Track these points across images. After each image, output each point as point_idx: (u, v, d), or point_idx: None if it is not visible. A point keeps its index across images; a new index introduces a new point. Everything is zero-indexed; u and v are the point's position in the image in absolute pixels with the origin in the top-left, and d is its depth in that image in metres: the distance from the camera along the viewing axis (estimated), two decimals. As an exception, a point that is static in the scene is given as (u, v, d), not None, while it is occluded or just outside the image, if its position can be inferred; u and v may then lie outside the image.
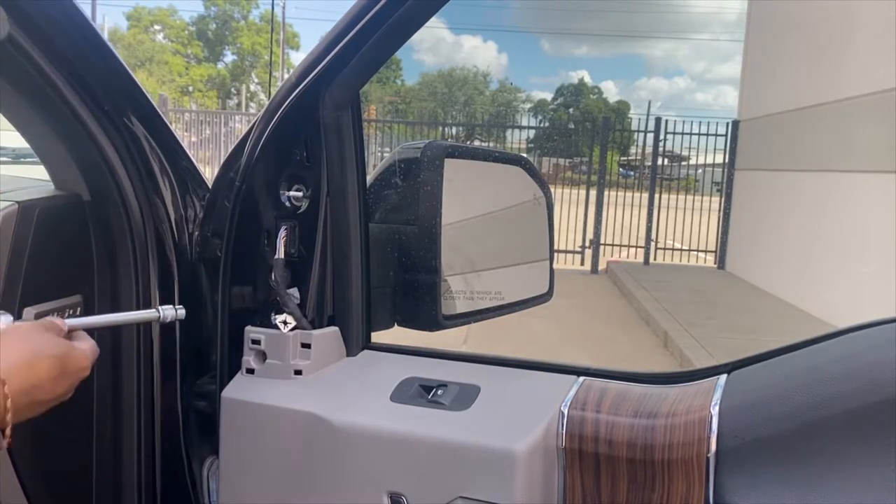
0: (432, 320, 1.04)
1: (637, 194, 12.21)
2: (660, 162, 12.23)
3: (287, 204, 1.03)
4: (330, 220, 1.02)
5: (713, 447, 0.79)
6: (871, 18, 6.74)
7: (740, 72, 11.67)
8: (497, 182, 1.21)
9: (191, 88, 45.38)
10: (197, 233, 1.13)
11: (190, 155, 1.17)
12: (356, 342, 1.05)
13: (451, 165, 1.04)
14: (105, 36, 1.03)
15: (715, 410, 0.81)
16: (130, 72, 1.06)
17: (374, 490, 0.90)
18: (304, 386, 0.99)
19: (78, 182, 1.09)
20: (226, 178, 1.08)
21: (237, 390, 1.01)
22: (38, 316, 0.99)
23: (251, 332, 1.03)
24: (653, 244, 11.34)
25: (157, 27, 49.56)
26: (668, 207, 11.37)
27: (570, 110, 54.60)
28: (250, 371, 1.02)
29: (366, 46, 0.92)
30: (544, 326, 6.49)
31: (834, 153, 7.30)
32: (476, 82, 58.02)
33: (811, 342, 0.85)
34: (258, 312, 1.04)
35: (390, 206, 1.09)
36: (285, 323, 1.01)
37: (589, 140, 11.90)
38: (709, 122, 11.63)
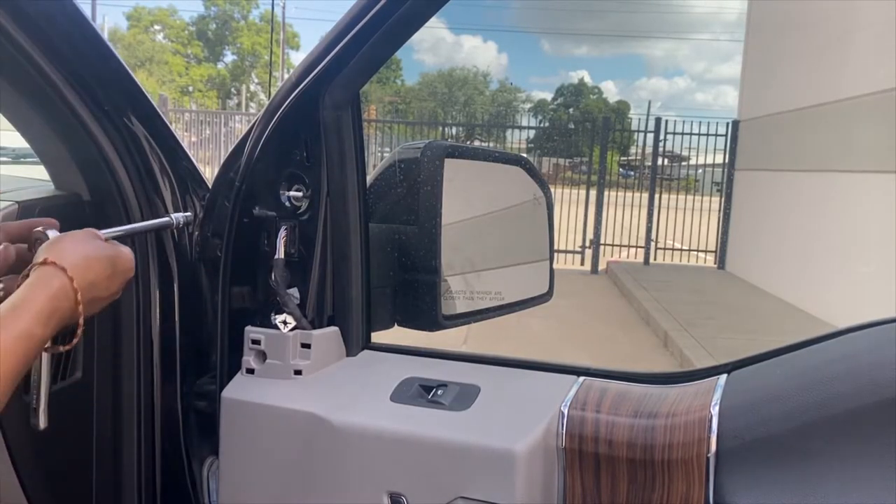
0: (432, 320, 1.04)
1: (637, 194, 12.21)
2: (660, 162, 12.24)
3: (287, 204, 1.03)
4: (330, 220, 1.02)
5: (713, 447, 0.79)
6: (871, 18, 6.74)
7: (740, 72, 11.68)
8: (497, 182, 1.21)
9: (191, 88, 45.40)
10: (197, 233, 1.13)
11: (190, 155, 1.17)
12: (356, 342, 1.05)
13: (451, 165, 1.04)
14: (105, 36, 1.03)
15: (715, 410, 0.81)
16: (130, 72, 1.06)
17: (374, 490, 0.90)
18: (304, 386, 0.99)
19: (78, 182, 1.10)
20: (226, 178, 1.08)
21: (237, 390, 1.01)
22: None
23: (251, 332, 1.03)
24: (653, 244, 11.34)
25: (157, 27, 49.58)
26: (668, 207, 11.37)
27: (570, 110, 54.61)
28: (250, 371, 1.02)
29: (366, 46, 0.92)
30: (544, 326, 6.49)
31: (834, 153, 7.31)
32: (476, 82, 58.00)
33: (811, 342, 0.85)
34: (258, 312, 1.04)
35: (390, 206, 1.09)
36: (285, 323, 1.01)
37: (589, 140, 11.90)
38: (709, 123, 11.66)
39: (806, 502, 0.74)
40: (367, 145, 1.49)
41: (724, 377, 0.87)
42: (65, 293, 0.74)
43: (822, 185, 7.55)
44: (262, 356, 1.02)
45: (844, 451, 0.74)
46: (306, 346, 1.00)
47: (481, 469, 0.85)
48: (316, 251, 1.02)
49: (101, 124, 1.02)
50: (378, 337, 1.09)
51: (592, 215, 11.05)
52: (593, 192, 11.12)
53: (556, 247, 1.42)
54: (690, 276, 10.13)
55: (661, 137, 11.70)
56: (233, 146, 1.09)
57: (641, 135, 12.89)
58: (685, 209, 11.43)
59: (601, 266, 11.06)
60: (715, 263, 11.19)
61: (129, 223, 1.07)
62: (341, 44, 0.92)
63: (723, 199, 11.06)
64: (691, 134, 11.55)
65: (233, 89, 49.25)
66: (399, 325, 1.10)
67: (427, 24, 0.95)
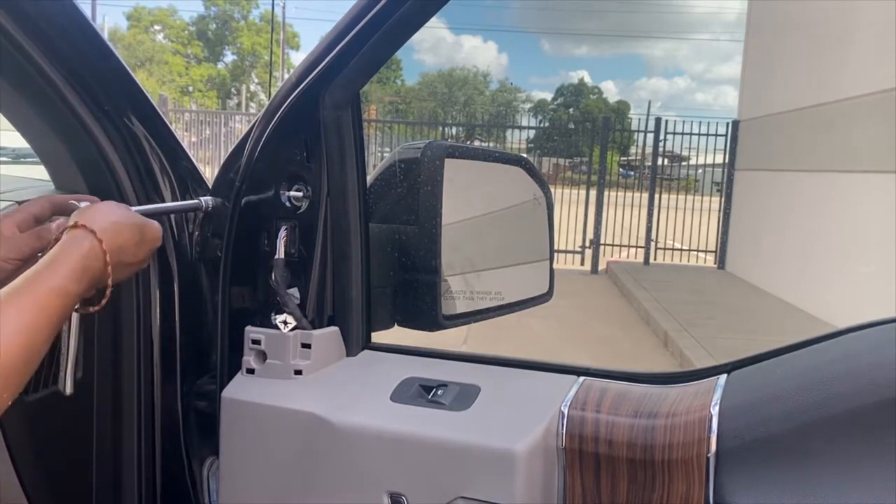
0: (432, 320, 1.04)
1: (637, 194, 12.21)
2: (660, 162, 12.24)
3: (287, 204, 1.03)
4: (330, 220, 1.01)
5: (713, 447, 0.79)
6: (871, 18, 6.74)
7: (740, 72, 11.68)
8: (497, 182, 1.21)
9: (191, 88, 45.40)
10: (197, 233, 1.13)
11: (190, 155, 1.17)
12: (356, 342, 1.05)
13: (451, 165, 1.04)
14: (105, 36, 1.03)
15: (715, 410, 0.81)
16: (130, 72, 1.06)
17: (374, 490, 0.90)
18: (304, 386, 0.99)
19: (78, 182, 1.10)
20: (226, 178, 1.08)
21: (237, 390, 1.01)
22: None
23: (251, 332, 1.03)
24: (653, 244, 11.34)
25: (157, 27, 49.58)
26: (668, 207, 11.37)
27: (570, 110, 54.60)
28: (250, 371, 1.02)
29: (366, 46, 0.92)
30: (544, 326, 6.49)
31: (834, 153, 7.31)
32: (476, 82, 58.00)
33: (811, 342, 0.85)
34: (258, 312, 1.04)
35: (390, 205, 1.09)
36: (285, 323, 1.01)
37: (589, 140, 11.90)
38: (709, 123, 11.66)
39: (806, 502, 0.74)
40: (367, 145, 1.49)
41: (724, 377, 0.87)
42: (95, 254, 0.78)
43: (823, 186, 7.55)
44: (263, 356, 1.02)
45: (844, 451, 0.74)
46: (306, 346, 1.00)
47: (481, 469, 0.85)
48: (316, 251, 1.02)
49: (101, 124, 1.03)
50: (378, 337, 1.09)
51: (592, 215, 11.05)
52: (593, 192, 11.12)
53: (556, 247, 1.42)
54: (690, 276, 10.13)
55: (661, 137, 11.70)
56: (233, 146, 1.09)
57: (641, 135, 12.89)
58: (685, 209, 11.43)
59: (601, 266, 11.06)
60: (715, 263, 11.19)
61: None
62: (341, 44, 0.92)
63: (723, 199, 11.06)
64: (691, 134, 11.55)
65: (233, 89, 49.26)
66: (399, 325, 1.10)
67: (427, 24, 0.95)
